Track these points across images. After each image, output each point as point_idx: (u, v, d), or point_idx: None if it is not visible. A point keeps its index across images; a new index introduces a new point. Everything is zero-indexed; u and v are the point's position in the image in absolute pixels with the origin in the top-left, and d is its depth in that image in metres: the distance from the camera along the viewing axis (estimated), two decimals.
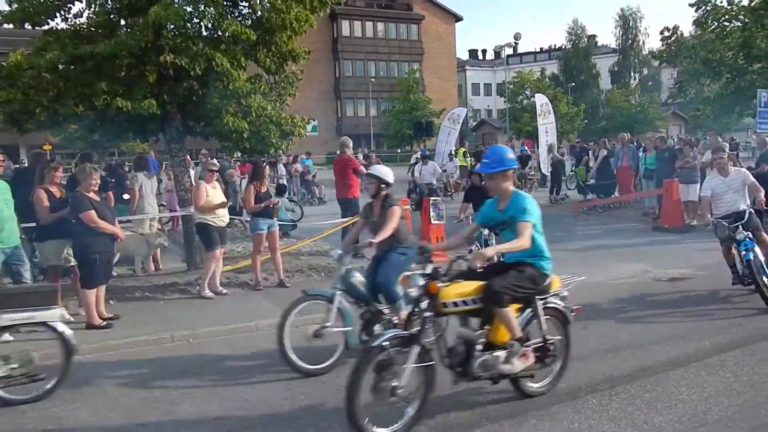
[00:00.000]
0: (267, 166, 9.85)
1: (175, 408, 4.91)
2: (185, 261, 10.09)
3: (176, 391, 5.29)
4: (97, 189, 7.29)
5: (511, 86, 52.78)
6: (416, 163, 19.71)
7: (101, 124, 9.73)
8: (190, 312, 7.68)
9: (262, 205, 8.76)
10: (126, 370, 5.86)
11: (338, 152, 12.48)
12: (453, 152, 24.80)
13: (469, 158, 28.14)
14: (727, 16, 21.28)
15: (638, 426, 4.27)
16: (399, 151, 51.59)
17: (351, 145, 11.60)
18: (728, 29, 21.34)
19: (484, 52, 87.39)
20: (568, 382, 5.09)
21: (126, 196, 10.42)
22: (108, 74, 8.85)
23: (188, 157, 11.20)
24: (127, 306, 8.02)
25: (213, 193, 8.54)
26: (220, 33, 9.37)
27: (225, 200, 8.80)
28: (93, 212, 6.88)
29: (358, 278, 5.90)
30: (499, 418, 4.45)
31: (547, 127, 24.67)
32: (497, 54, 74.61)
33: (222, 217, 8.59)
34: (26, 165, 9.44)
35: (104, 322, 7.10)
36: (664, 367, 5.35)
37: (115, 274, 8.97)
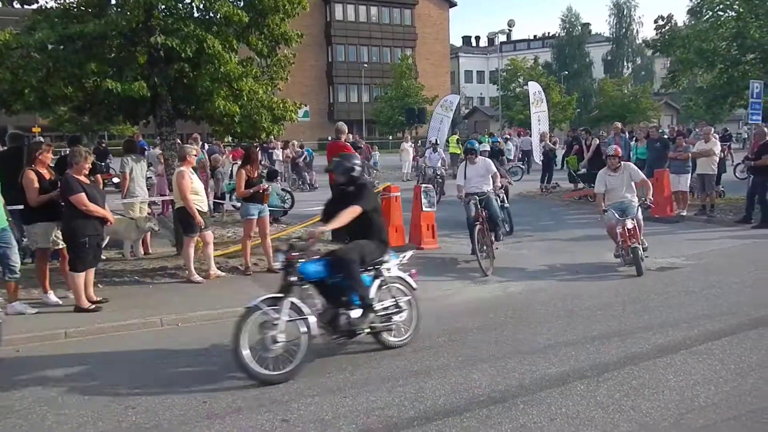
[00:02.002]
0: (259, 151, 9.79)
1: (165, 390, 4.90)
2: (175, 245, 10.04)
3: (165, 374, 5.28)
4: (87, 172, 7.22)
5: (504, 74, 52.70)
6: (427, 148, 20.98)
7: (91, 106, 9.62)
8: (179, 296, 7.66)
9: (251, 190, 8.72)
10: (114, 353, 5.84)
11: (330, 138, 12.39)
12: (436, 141, 24.68)
13: (461, 146, 28.17)
14: (721, 6, 21.24)
15: (625, 412, 4.30)
16: (391, 137, 51.50)
17: (346, 130, 11.49)
18: (722, 19, 21.31)
19: (477, 38, 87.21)
20: (557, 368, 5.13)
21: (116, 180, 10.34)
22: (98, 55, 8.74)
23: (179, 141, 11.09)
24: (116, 290, 7.98)
25: (194, 178, 8.49)
26: (211, 14, 9.27)
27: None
28: (83, 195, 6.82)
29: None
30: (488, 403, 4.47)
31: (539, 115, 24.71)
32: (491, 41, 74.36)
33: (203, 201, 8.55)
34: (7, 147, 9.28)
35: (93, 306, 7.06)
36: (652, 355, 5.39)
37: (104, 257, 8.92)
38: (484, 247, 9.10)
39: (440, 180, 18.41)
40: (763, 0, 20.26)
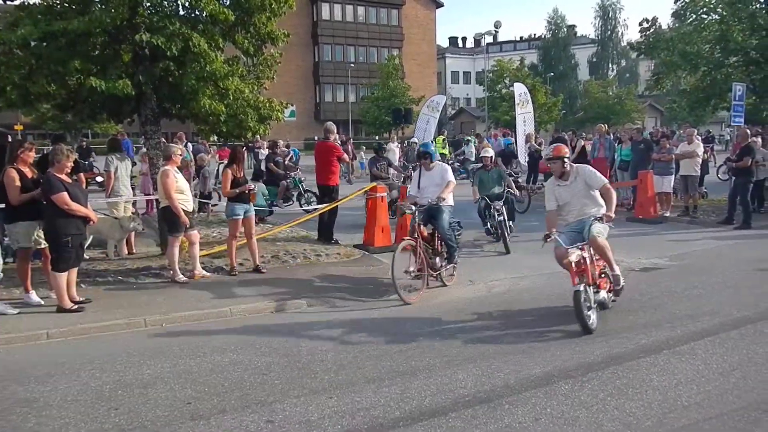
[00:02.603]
0: (245, 151, 9.75)
1: (148, 392, 4.86)
2: (159, 245, 9.97)
3: (149, 375, 5.24)
4: (69, 171, 7.14)
5: (491, 75, 52.88)
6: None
7: (74, 104, 9.51)
8: (163, 296, 7.59)
9: (237, 190, 8.68)
10: (98, 354, 5.77)
11: (317, 138, 12.35)
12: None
13: (447, 147, 28.21)
14: (705, 9, 21.51)
15: (609, 412, 4.33)
16: (377, 138, 51.49)
17: (335, 130, 11.48)
18: (706, 22, 21.59)
19: (464, 39, 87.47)
20: (542, 368, 5.15)
21: (100, 179, 10.24)
22: (82, 52, 8.65)
23: (164, 140, 11.01)
24: (99, 290, 7.90)
25: (179, 177, 8.45)
26: (197, 12, 9.22)
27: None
28: (65, 194, 6.74)
29: None
30: (473, 404, 4.48)
31: (525, 116, 24.79)
32: (477, 42, 74.79)
33: (188, 200, 8.50)
34: None
35: (75, 306, 6.99)
36: (635, 355, 5.44)
37: (87, 257, 8.83)
38: (412, 269, 7.55)
39: None
40: (746, 4, 20.54)
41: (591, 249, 6.37)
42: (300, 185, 16.11)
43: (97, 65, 8.80)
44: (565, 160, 6.76)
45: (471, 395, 4.65)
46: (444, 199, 7.95)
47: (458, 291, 8.01)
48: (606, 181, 6.75)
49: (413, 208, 7.93)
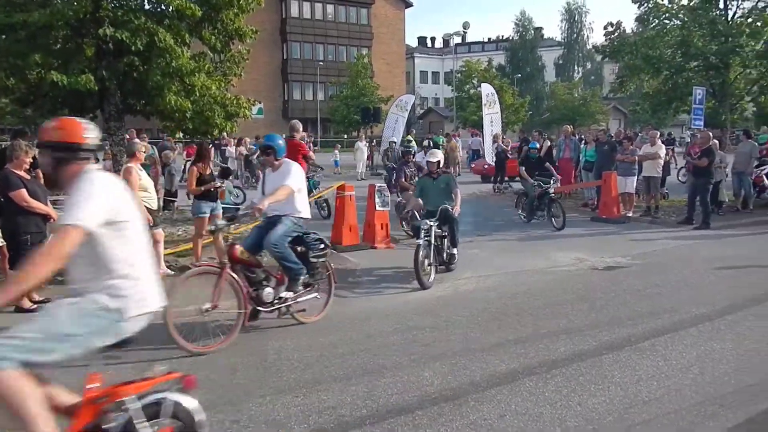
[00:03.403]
0: (212, 148, 9.66)
1: None
2: None
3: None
4: (28, 167, 6.97)
5: (459, 75, 53.25)
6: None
7: (34, 99, 9.30)
8: None
9: (202, 188, 8.58)
10: None
11: (284, 135, 12.25)
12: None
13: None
14: (667, 14, 22.04)
15: (573, 407, 4.40)
16: (345, 136, 51.45)
17: (300, 128, 11.40)
18: (668, 27, 22.12)
19: (432, 39, 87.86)
20: (507, 365, 5.21)
21: None
22: (42, 46, 8.49)
23: (127, 136, 10.82)
24: (59, 289, 7.70)
25: (143, 175, 8.32)
26: (163, 7, 9.12)
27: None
28: (24, 191, 6.59)
29: None
30: (440, 401, 4.51)
31: (492, 117, 25.05)
32: (446, 42, 75.23)
33: (152, 198, 8.36)
34: None
35: (35, 306, 6.82)
36: (598, 351, 5.54)
37: None
38: (207, 306, 5.52)
39: None
40: (706, 10, 21.12)
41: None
42: (316, 188, 13.38)
43: (58, 59, 8.64)
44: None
45: (437, 393, 4.68)
46: (262, 211, 5.78)
47: (425, 290, 8.04)
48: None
49: (223, 222, 6.05)
